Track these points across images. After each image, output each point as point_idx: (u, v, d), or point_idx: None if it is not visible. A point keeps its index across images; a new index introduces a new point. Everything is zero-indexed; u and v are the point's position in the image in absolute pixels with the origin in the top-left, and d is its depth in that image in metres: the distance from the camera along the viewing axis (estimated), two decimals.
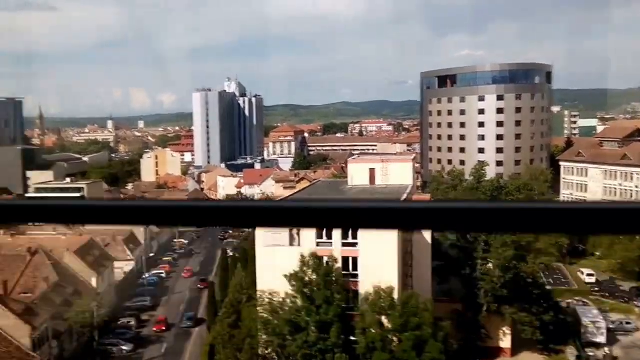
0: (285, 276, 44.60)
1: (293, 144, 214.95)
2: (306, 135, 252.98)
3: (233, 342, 46.39)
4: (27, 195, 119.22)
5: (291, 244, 47.29)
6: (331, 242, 47.07)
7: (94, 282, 63.50)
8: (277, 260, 45.86)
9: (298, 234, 47.60)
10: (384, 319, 43.89)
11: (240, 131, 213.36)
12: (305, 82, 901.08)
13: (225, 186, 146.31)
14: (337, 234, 46.89)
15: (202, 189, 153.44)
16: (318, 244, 46.79)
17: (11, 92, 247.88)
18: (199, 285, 75.97)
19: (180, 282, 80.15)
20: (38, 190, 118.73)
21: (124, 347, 56.90)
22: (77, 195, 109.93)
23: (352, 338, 44.34)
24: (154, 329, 61.46)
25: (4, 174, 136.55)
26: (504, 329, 53.99)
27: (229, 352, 45.93)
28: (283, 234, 47.59)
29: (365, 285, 45.65)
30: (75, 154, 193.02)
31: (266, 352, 45.55)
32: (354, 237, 46.51)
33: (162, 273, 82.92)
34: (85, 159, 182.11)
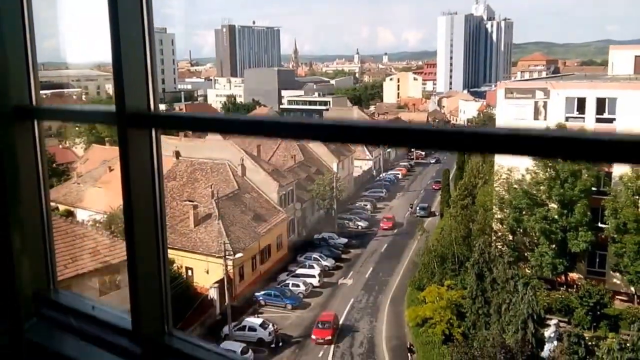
0: None
1: (544, 73, 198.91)
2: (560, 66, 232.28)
3: (465, 216, 44.94)
4: (280, 107, 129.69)
5: (535, 118, 43.62)
6: (583, 117, 42.35)
7: (334, 166, 66.65)
8: None
9: (544, 107, 43.76)
10: None
11: (486, 57, 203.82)
12: (565, 19, 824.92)
13: (466, 110, 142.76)
14: (590, 107, 42.09)
15: (443, 113, 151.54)
16: (567, 119, 42.43)
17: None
18: (433, 187, 75.51)
19: (415, 184, 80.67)
20: (290, 102, 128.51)
21: (359, 224, 59.12)
22: (324, 108, 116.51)
23: (599, 225, 39.98)
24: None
25: (262, 91, 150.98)
26: None
27: (460, 225, 44.63)
28: (527, 107, 44.18)
29: (621, 167, 40.32)
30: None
31: (500, 226, 43.31)
32: (611, 111, 41.23)
33: (398, 174, 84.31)
34: (332, 82, 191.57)
